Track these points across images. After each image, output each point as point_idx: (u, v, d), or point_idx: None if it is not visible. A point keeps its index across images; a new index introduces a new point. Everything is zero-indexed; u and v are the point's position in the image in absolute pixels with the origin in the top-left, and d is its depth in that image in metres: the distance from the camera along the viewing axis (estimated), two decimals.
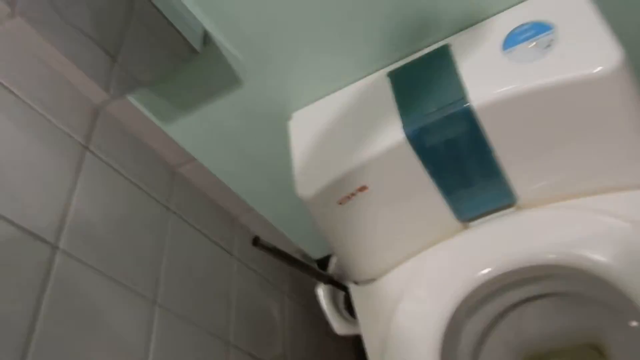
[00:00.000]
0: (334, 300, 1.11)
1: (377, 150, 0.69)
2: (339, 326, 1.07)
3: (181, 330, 0.78)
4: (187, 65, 0.73)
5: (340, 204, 0.73)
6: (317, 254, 1.15)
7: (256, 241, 0.93)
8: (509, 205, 0.75)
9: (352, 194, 0.72)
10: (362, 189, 0.72)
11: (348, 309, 1.12)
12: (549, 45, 0.64)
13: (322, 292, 1.11)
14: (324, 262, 1.11)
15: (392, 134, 0.68)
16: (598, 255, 0.67)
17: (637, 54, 0.65)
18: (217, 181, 0.94)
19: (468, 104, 0.65)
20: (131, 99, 0.78)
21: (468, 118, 0.66)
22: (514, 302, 0.82)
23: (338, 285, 1.08)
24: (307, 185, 0.72)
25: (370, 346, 0.77)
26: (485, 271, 0.73)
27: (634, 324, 0.77)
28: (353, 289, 0.84)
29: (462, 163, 0.71)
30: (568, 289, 0.78)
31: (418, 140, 0.68)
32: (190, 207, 0.93)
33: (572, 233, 0.70)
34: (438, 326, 0.73)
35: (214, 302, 0.89)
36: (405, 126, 0.67)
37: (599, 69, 0.60)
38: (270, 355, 0.94)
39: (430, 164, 0.70)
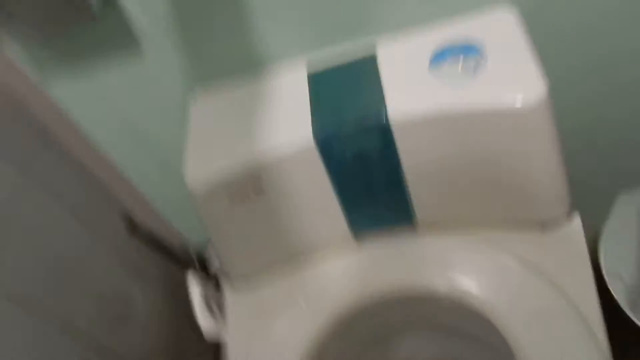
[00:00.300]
0: (208, 298, 1.03)
1: (282, 152, 0.63)
2: (209, 328, 1.00)
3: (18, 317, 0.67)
4: (84, 27, 0.63)
5: (233, 202, 0.65)
6: (193, 237, 1.06)
7: (133, 228, 0.83)
8: (407, 227, 0.73)
9: (247, 194, 0.65)
10: (259, 190, 0.65)
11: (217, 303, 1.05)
12: (475, 68, 0.61)
13: (195, 289, 1.02)
14: (199, 247, 1.02)
15: (301, 137, 0.62)
16: (485, 294, 0.66)
17: (560, 89, 0.64)
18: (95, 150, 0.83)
19: (387, 119, 0.60)
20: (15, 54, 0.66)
21: (384, 133, 0.61)
22: (389, 326, 0.80)
23: (218, 284, 1.00)
24: (198, 177, 0.64)
25: (233, 347, 0.71)
26: (368, 293, 0.70)
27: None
28: (228, 289, 0.77)
29: (368, 177, 0.67)
30: (448, 322, 0.78)
31: (327, 148, 0.62)
32: (55, 174, 0.81)
33: (464, 267, 0.68)
34: (309, 344, 0.68)
35: (67, 283, 0.78)
36: (316, 131, 0.62)
37: (519, 101, 0.58)
38: (126, 345, 0.85)
39: (335, 174, 0.65)
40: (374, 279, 0.71)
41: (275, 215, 0.68)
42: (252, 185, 0.64)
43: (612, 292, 0.68)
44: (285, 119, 0.64)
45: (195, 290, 1.00)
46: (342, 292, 0.71)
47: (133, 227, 0.82)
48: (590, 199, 0.76)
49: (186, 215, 0.96)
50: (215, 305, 1.04)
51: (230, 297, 0.77)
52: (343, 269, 0.73)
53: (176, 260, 0.91)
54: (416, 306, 0.73)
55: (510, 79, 0.60)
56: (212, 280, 0.98)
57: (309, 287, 0.72)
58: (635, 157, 0.86)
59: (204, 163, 0.64)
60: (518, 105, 0.58)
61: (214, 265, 1.00)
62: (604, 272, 0.69)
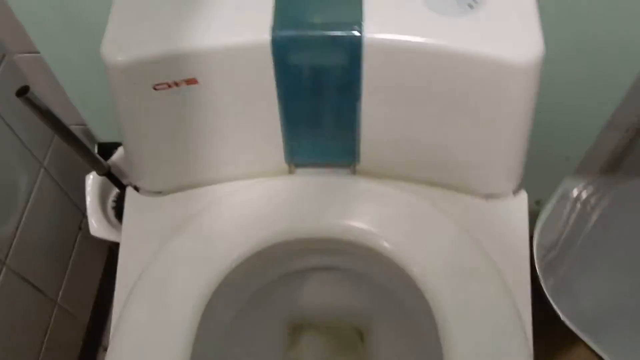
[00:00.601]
0: (102, 195, 0.92)
1: (229, 42, 0.52)
2: (98, 227, 0.89)
3: None
4: None
5: (156, 89, 0.54)
6: (103, 135, 0.93)
7: (24, 92, 0.69)
8: (346, 165, 0.65)
9: (177, 83, 0.54)
10: (191, 81, 0.54)
11: (116, 210, 0.94)
12: (471, 5, 0.53)
13: (90, 182, 0.91)
14: (108, 148, 0.90)
15: (256, 30, 0.52)
16: (402, 243, 0.60)
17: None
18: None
19: (361, 34, 0.51)
20: None
21: (352, 50, 0.52)
22: (297, 269, 0.73)
23: (115, 181, 0.89)
24: (119, 50, 0.52)
25: (124, 267, 0.61)
26: (283, 231, 0.62)
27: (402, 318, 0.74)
28: (130, 194, 0.66)
29: (320, 97, 0.57)
30: (355, 267, 0.72)
31: (283, 51, 0.52)
32: None
33: (389, 216, 0.62)
34: (212, 276, 0.60)
35: None
36: (275, 28, 0.51)
37: (513, 54, 0.51)
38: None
39: (284, 84, 0.55)
40: (296, 216, 0.63)
41: (204, 116, 0.58)
42: (184, 71, 0.52)
43: (542, 284, 0.64)
44: (242, 6, 0.53)
45: (90, 185, 0.89)
46: (258, 224, 0.62)
47: (24, 90, 0.67)
48: (532, 181, 0.72)
49: (94, 99, 0.83)
50: (112, 204, 0.93)
51: (130, 201, 0.65)
52: (265, 197, 0.64)
53: (74, 145, 0.78)
54: (329, 250, 0.67)
55: (507, 27, 0.52)
56: (113, 179, 0.87)
57: (223, 212, 0.63)
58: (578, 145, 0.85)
59: (129, 34, 0.52)
60: (510, 57, 0.51)
61: (117, 161, 0.88)
62: (536, 262, 0.66)
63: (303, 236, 0.62)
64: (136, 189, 0.67)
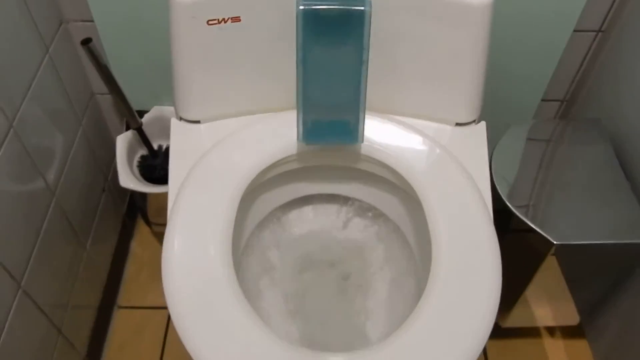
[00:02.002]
0: (129, 155, 1.07)
1: None
2: (126, 178, 1.04)
3: None
4: None
5: (209, 24, 0.72)
6: (134, 104, 1.10)
7: (87, 42, 0.86)
8: None
9: (224, 20, 0.72)
10: (236, 19, 0.72)
11: (140, 169, 1.09)
12: None
13: (120, 141, 1.06)
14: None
15: None
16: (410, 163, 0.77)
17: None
18: None
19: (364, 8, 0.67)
20: None
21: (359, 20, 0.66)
22: (305, 194, 0.89)
23: (143, 137, 1.05)
24: None
25: (174, 175, 0.77)
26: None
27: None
28: (175, 123, 0.82)
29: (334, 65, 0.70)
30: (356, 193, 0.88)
31: (309, 20, 0.66)
32: None
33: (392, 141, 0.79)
34: (243, 181, 0.75)
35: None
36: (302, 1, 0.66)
37: None
38: (38, 182, 0.86)
39: (307, 49, 0.68)
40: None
41: (242, 51, 0.75)
42: (232, 9, 0.70)
43: (497, 186, 0.83)
44: None
45: (121, 144, 1.04)
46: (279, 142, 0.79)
47: (87, 40, 0.84)
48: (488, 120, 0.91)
49: (134, 70, 0.99)
50: (137, 163, 1.07)
51: (175, 128, 0.82)
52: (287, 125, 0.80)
53: (117, 95, 0.94)
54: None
55: None
56: (142, 135, 1.02)
57: (251, 134, 0.79)
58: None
59: None
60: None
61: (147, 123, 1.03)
62: (492, 170, 0.85)
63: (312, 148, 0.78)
64: (181, 119, 0.83)
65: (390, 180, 0.80)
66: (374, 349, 0.60)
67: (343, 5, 0.67)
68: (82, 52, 0.93)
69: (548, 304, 0.99)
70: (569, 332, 1.11)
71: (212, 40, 0.74)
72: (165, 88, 1.04)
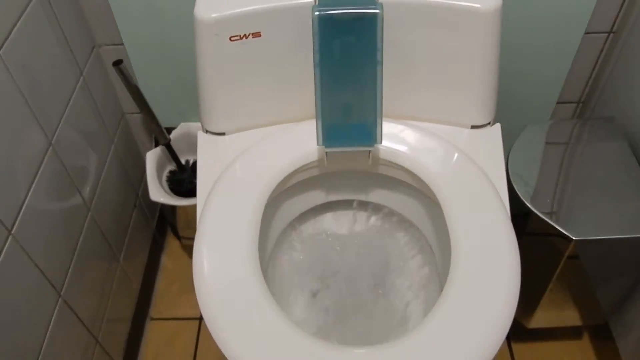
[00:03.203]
0: (158, 170, 1.12)
1: (283, 3, 0.74)
2: (156, 192, 1.08)
3: None
4: None
5: (231, 40, 0.76)
6: (162, 121, 1.15)
7: (119, 63, 0.91)
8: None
9: (246, 35, 0.76)
10: (256, 34, 0.76)
11: (169, 183, 1.14)
12: None
13: (150, 157, 1.11)
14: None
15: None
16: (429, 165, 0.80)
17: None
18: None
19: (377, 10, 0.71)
20: None
21: (372, 22, 0.70)
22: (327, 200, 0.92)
23: (172, 152, 1.10)
24: (208, 10, 0.75)
25: (202, 185, 0.81)
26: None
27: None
28: (201, 136, 0.86)
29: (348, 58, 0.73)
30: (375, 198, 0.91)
31: (324, 25, 0.70)
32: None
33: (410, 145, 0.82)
34: (266, 188, 0.78)
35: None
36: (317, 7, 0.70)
37: (478, 2, 0.74)
38: (75, 199, 0.91)
39: (323, 47, 0.71)
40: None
41: (263, 65, 0.80)
42: (252, 25, 0.75)
43: (514, 185, 0.85)
44: None
45: (151, 159, 1.09)
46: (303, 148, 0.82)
47: (119, 62, 0.89)
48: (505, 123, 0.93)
49: (161, 89, 1.05)
50: (166, 178, 1.12)
51: (201, 140, 0.86)
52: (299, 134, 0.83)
53: (146, 113, 0.98)
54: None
55: None
56: (170, 151, 1.07)
57: (272, 142, 0.83)
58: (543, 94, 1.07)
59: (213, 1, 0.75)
60: (478, 5, 0.74)
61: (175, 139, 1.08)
62: (509, 171, 0.87)
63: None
64: (207, 131, 0.87)
65: (409, 183, 0.82)
66: (395, 343, 0.62)
67: (356, 9, 0.70)
68: (113, 74, 0.99)
69: (574, 304, 1.00)
70: (596, 331, 1.11)
71: (234, 56, 0.78)
72: (191, 105, 1.09)
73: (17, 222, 0.73)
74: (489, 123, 0.86)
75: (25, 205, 0.76)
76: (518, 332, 1.10)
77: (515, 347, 1.10)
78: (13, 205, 0.73)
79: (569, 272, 0.89)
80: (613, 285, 0.96)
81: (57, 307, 0.83)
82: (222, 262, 0.70)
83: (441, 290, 0.67)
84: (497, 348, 0.62)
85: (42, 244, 0.79)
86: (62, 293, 0.84)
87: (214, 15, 0.74)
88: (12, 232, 0.72)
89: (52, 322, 0.81)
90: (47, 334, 0.79)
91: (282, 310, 0.65)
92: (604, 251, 0.85)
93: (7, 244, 0.71)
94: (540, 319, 1.01)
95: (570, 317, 1.04)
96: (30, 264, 0.76)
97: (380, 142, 0.77)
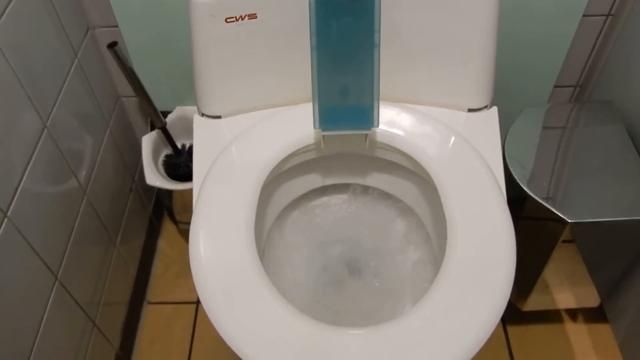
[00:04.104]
0: (154, 154, 1.12)
1: None
2: (152, 176, 1.08)
3: None
4: None
5: (227, 22, 0.75)
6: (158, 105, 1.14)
7: (113, 45, 0.90)
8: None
9: (242, 17, 0.75)
10: (252, 16, 0.76)
11: (165, 167, 1.13)
12: None
13: (146, 141, 1.10)
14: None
15: None
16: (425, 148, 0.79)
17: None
18: None
19: None
20: None
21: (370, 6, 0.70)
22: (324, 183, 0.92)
23: (168, 136, 1.09)
24: None
25: (198, 169, 0.80)
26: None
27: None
28: (197, 119, 0.86)
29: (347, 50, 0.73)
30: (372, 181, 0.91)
31: (321, 6, 0.69)
32: None
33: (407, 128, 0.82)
34: (263, 172, 0.78)
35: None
36: None
37: None
38: (71, 182, 0.91)
39: (321, 36, 0.71)
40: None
41: (259, 47, 0.79)
42: (248, 6, 0.74)
43: (511, 169, 0.85)
44: None
45: (147, 143, 1.08)
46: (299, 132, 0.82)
47: (114, 44, 0.89)
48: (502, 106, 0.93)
49: (156, 73, 1.04)
50: (162, 162, 1.12)
51: (197, 123, 0.85)
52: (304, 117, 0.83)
53: (142, 96, 0.97)
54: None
55: None
56: (166, 135, 1.06)
57: (266, 128, 0.83)
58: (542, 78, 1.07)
59: None
60: None
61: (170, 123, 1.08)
62: (506, 155, 0.87)
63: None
64: (203, 114, 0.86)
65: (406, 166, 0.82)
66: (391, 324, 0.63)
67: None
68: (108, 57, 0.98)
69: (569, 287, 1.01)
70: (591, 314, 1.12)
71: (230, 37, 0.77)
72: (187, 89, 1.08)
73: (13, 204, 0.73)
74: (486, 106, 0.86)
75: (20, 187, 0.75)
76: (513, 315, 1.11)
77: (510, 329, 1.11)
78: (8, 187, 0.73)
79: (564, 255, 0.90)
80: (608, 268, 0.96)
81: (54, 290, 0.83)
82: (218, 246, 0.70)
83: (437, 273, 0.67)
84: (492, 330, 0.63)
85: (38, 227, 0.79)
86: (58, 276, 0.84)
87: None
88: (8, 214, 0.72)
89: (49, 305, 0.81)
90: (44, 317, 0.79)
91: (279, 293, 0.66)
92: (599, 234, 0.85)
93: (2, 226, 0.70)
94: (535, 302, 1.02)
95: (565, 300, 1.05)
96: (26, 246, 0.76)
97: (378, 125, 0.77)
